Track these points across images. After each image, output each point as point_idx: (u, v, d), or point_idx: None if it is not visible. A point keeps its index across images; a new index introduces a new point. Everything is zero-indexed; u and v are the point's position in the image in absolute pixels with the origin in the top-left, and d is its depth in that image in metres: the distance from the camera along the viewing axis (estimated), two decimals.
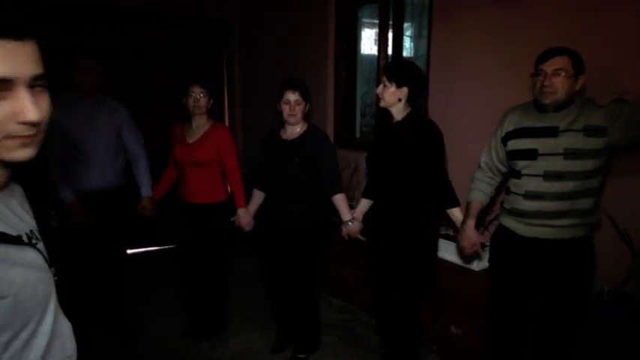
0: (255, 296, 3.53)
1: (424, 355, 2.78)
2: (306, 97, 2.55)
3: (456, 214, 2.27)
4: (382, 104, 2.25)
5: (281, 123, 2.64)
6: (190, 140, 2.78)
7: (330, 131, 3.61)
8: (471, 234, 2.12)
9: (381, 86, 2.23)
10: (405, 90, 2.19)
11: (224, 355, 2.87)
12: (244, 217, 2.79)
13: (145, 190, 2.99)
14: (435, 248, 2.46)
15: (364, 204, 2.58)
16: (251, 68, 4.67)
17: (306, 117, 2.62)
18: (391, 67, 2.30)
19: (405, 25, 3.31)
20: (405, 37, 3.31)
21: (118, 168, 2.88)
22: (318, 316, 2.86)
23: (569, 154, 1.81)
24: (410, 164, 2.18)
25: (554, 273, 1.93)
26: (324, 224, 2.67)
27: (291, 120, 2.54)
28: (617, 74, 2.04)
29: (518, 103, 2.06)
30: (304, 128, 2.59)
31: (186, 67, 4.44)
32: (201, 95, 2.73)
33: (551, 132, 1.85)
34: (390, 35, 3.25)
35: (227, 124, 4.87)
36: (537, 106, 1.92)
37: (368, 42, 3.71)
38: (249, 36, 4.64)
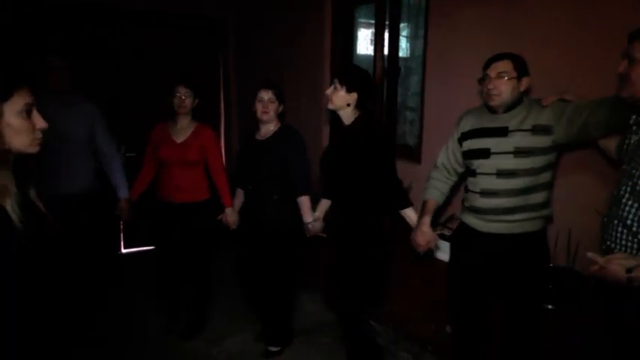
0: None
1: (420, 354, 2.79)
2: (279, 97, 2.65)
3: (409, 214, 2.31)
4: (331, 106, 2.31)
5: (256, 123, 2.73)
6: (178, 140, 2.80)
7: (326, 132, 3.61)
8: (426, 231, 2.17)
9: (331, 88, 2.29)
10: (354, 95, 2.27)
11: (219, 355, 2.87)
12: (231, 215, 2.89)
13: (122, 192, 2.94)
14: (383, 255, 2.42)
15: (324, 204, 2.67)
16: (247, 68, 4.67)
17: (280, 117, 2.71)
18: (343, 71, 2.41)
19: (402, 25, 3.31)
20: (401, 37, 3.31)
21: (91, 171, 2.84)
22: (289, 311, 2.96)
23: (518, 152, 1.91)
24: (358, 168, 2.25)
25: (512, 265, 2.01)
26: (300, 226, 2.70)
27: (264, 118, 2.63)
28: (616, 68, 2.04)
29: None
30: (277, 127, 2.68)
31: (183, 66, 4.43)
32: (187, 95, 2.76)
33: (502, 132, 1.96)
34: (387, 35, 3.25)
35: (223, 123, 4.86)
36: (489, 107, 2.02)
37: (364, 42, 3.71)
38: (245, 36, 4.64)
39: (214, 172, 2.90)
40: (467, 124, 2.11)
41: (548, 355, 2.07)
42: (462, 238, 2.17)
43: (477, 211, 2.06)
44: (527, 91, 2.00)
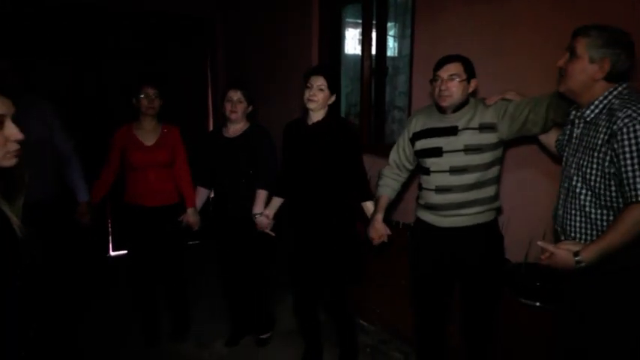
0: None
1: (411, 353, 2.80)
2: (248, 97, 2.70)
3: (369, 206, 2.44)
4: (313, 106, 2.39)
5: (224, 122, 2.80)
6: (148, 143, 2.74)
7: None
8: (379, 226, 2.30)
9: (316, 89, 2.37)
10: (334, 97, 2.44)
11: (211, 357, 2.87)
12: (193, 215, 2.86)
13: (82, 195, 2.79)
14: (357, 240, 2.53)
15: (276, 202, 2.69)
16: (235, 68, 4.65)
17: (249, 117, 2.77)
18: (328, 72, 2.49)
19: (389, 24, 3.32)
20: (388, 37, 3.32)
21: (55, 176, 2.71)
22: (266, 297, 3.02)
23: (468, 149, 2.03)
24: (332, 159, 2.39)
25: (469, 254, 2.12)
26: (277, 218, 2.74)
27: (232, 117, 2.68)
28: None
29: None
30: (246, 127, 2.74)
31: (170, 66, 4.41)
32: (155, 96, 2.71)
33: (452, 131, 2.06)
34: (374, 35, 3.25)
35: (211, 123, 4.84)
36: (439, 108, 2.11)
37: (352, 42, 3.72)
38: (233, 35, 4.62)
39: (181, 173, 2.83)
40: (417, 125, 2.20)
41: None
42: (420, 234, 2.27)
43: (432, 207, 2.16)
44: (474, 92, 2.11)
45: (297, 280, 2.61)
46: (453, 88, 2.02)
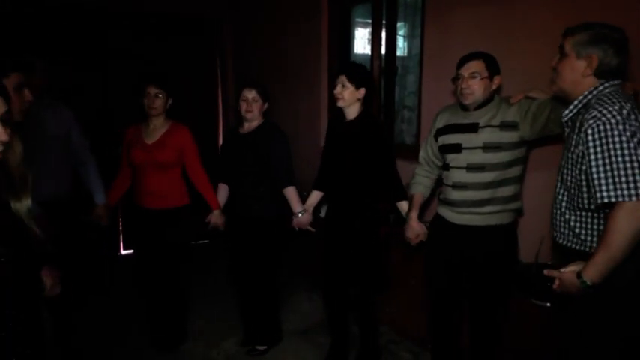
0: None
1: (420, 353, 2.79)
2: (263, 95, 2.67)
3: (404, 206, 2.44)
4: (341, 104, 2.41)
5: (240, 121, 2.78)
6: (149, 141, 2.68)
7: (323, 131, 3.60)
8: (414, 225, 2.32)
9: (340, 86, 2.38)
10: (362, 91, 2.40)
11: (219, 356, 2.87)
12: (219, 217, 2.80)
13: (100, 197, 2.74)
14: (383, 243, 2.55)
15: (315, 196, 2.72)
16: (244, 68, 4.67)
17: (265, 115, 2.74)
18: (350, 68, 2.47)
19: (398, 24, 3.31)
20: (398, 37, 3.31)
21: (70, 175, 2.67)
22: (276, 309, 2.95)
23: (487, 147, 2.02)
24: (362, 160, 2.39)
25: (481, 256, 2.11)
26: (286, 220, 2.73)
27: (248, 116, 2.66)
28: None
29: None
30: (259, 124, 2.70)
31: (180, 68, 4.44)
32: (157, 95, 2.64)
33: (472, 128, 2.07)
34: (384, 35, 3.25)
35: (221, 124, 4.86)
36: (462, 105, 2.12)
37: (361, 41, 3.71)
38: (242, 36, 4.64)
39: (194, 175, 2.76)
40: (442, 121, 2.22)
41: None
42: (438, 230, 2.26)
43: (450, 203, 2.17)
44: (498, 89, 2.09)
45: (327, 277, 2.61)
46: (475, 85, 2.01)
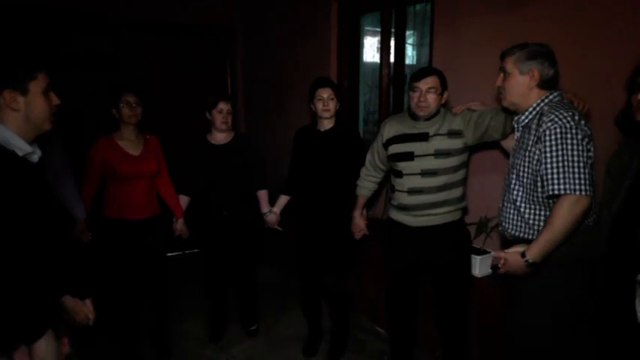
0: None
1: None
2: (234, 108, 2.90)
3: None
4: (327, 115, 2.64)
5: (209, 130, 2.96)
6: (135, 153, 2.64)
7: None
8: (358, 222, 2.66)
9: (327, 99, 2.62)
10: (338, 104, 2.69)
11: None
12: (183, 224, 2.93)
13: (80, 211, 2.61)
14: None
15: (283, 200, 2.95)
16: (254, 76, 4.71)
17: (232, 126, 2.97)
18: (333, 83, 2.73)
19: (407, 33, 3.32)
20: (407, 45, 3.33)
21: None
22: (257, 294, 3.28)
23: (438, 154, 2.24)
24: (342, 164, 2.65)
25: (440, 251, 2.32)
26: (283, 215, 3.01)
27: (223, 127, 2.86)
28: (622, 76, 2.05)
29: None
30: (232, 134, 2.95)
31: (190, 76, 4.49)
32: (137, 104, 2.60)
33: (423, 137, 2.27)
34: (392, 43, 3.27)
35: None
36: (411, 115, 2.31)
37: (370, 50, 3.73)
38: (252, 44, 4.68)
39: (165, 183, 2.80)
40: (391, 131, 2.39)
41: None
42: (394, 234, 2.45)
43: (405, 208, 2.35)
44: (445, 103, 2.34)
45: (303, 269, 2.88)
46: (431, 100, 2.21)
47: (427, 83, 2.21)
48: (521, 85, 1.80)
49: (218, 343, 3.10)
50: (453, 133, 2.23)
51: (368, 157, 2.58)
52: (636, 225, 1.59)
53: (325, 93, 2.62)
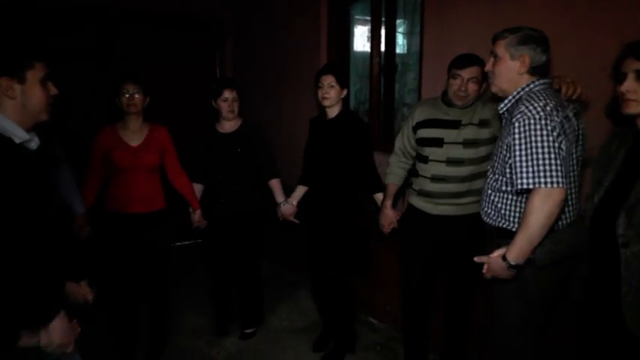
0: None
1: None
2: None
3: (380, 197, 2.58)
4: (327, 103, 2.55)
5: (217, 119, 2.92)
6: (134, 144, 2.55)
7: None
8: (388, 213, 2.47)
9: (328, 86, 2.52)
10: (344, 91, 2.58)
11: (219, 355, 2.88)
12: (201, 216, 2.86)
13: (79, 207, 2.55)
14: (363, 230, 2.67)
15: (300, 190, 2.83)
16: (244, 67, 4.66)
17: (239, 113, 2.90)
18: (336, 70, 2.63)
19: (398, 21, 3.30)
20: (397, 34, 3.30)
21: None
22: (262, 293, 3.15)
23: (467, 143, 2.19)
24: (345, 155, 2.53)
25: (457, 243, 2.27)
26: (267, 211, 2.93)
27: (230, 116, 2.80)
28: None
29: None
30: (240, 122, 2.88)
31: (179, 68, 4.43)
32: (136, 93, 2.51)
33: (455, 124, 2.21)
34: (383, 32, 3.24)
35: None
36: (445, 101, 2.25)
37: (361, 39, 3.70)
38: (241, 35, 4.63)
39: (176, 175, 2.71)
40: (422, 115, 2.32)
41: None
42: (413, 220, 2.39)
43: (426, 194, 2.30)
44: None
45: (312, 265, 2.76)
46: (471, 90, 2.14)
47: (470, 73, 2.13)
48: (511, 70, 1.72)
49: (223, 337, 3.04)
50: (483, 123, 2.19)
51: (397, 143, 2.47)
52: (616, 214, 1.50)
53: (326, 80, 2.52)
